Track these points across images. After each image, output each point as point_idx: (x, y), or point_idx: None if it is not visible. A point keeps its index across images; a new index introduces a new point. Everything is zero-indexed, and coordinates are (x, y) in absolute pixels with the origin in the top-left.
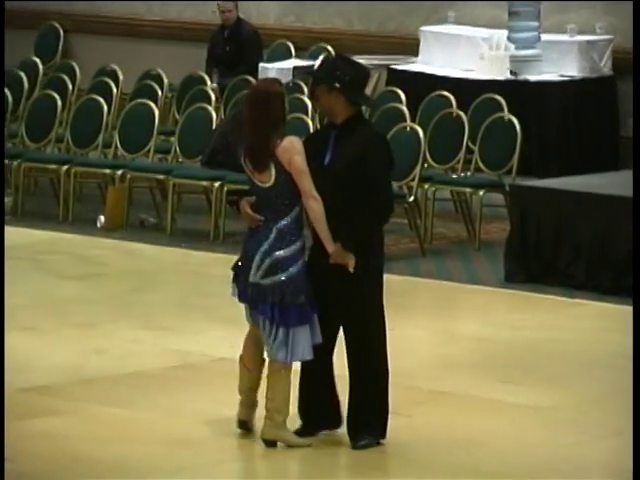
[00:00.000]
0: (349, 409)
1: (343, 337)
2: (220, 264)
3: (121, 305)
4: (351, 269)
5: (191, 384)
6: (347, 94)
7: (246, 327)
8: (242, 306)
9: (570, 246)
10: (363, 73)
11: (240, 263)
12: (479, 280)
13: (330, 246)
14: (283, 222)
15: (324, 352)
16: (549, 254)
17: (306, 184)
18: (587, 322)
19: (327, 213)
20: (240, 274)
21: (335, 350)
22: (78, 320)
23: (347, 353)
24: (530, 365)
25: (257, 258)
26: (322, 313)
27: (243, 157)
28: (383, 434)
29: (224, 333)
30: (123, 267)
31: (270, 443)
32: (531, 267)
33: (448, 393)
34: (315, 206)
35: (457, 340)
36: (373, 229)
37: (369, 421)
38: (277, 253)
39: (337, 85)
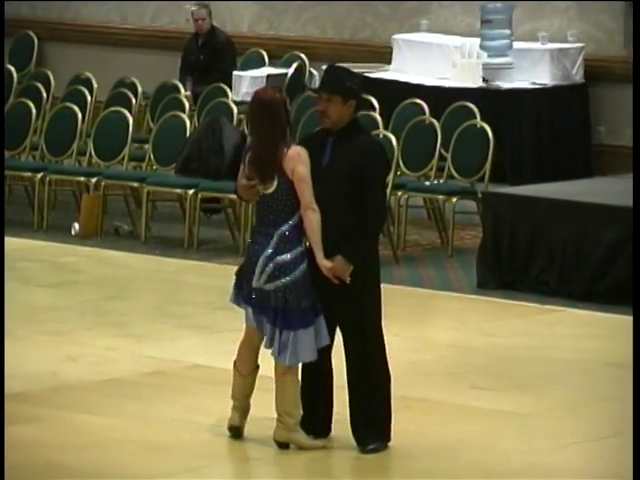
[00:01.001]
0: (353, 414)
1: (342, 343)
2: (194, 271)
3: (96, 312)
4: (348, 281)
5: (165, 391)
6: (359, 103)
7: (219, 333)
8: (216, 314)
9: (543, 253)
10: (362, 80)
11: (243, 269)
12: (452, 287)
13: (321, 258)
14: (283, 228)
15: (321, 355)
16: (522, 261)
17: (307, 194)
18: (560, 329)
19: (323, 215)
20: (243, 279)
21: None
22: (53, 327)
23: (347, 358)
24: (504, 371)
25: (260, 263)
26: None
27: (246, 165)
28: (389, 437)
29: (198, 340)
30: (98, 275)
31: (282, 445)
32: (504, 274)
33: (422, 400)
34: (312, 217)
35: (430, 347)
36: (376, 241)
37: (376, 426)
38: (279, 258)
39: (353, 96)
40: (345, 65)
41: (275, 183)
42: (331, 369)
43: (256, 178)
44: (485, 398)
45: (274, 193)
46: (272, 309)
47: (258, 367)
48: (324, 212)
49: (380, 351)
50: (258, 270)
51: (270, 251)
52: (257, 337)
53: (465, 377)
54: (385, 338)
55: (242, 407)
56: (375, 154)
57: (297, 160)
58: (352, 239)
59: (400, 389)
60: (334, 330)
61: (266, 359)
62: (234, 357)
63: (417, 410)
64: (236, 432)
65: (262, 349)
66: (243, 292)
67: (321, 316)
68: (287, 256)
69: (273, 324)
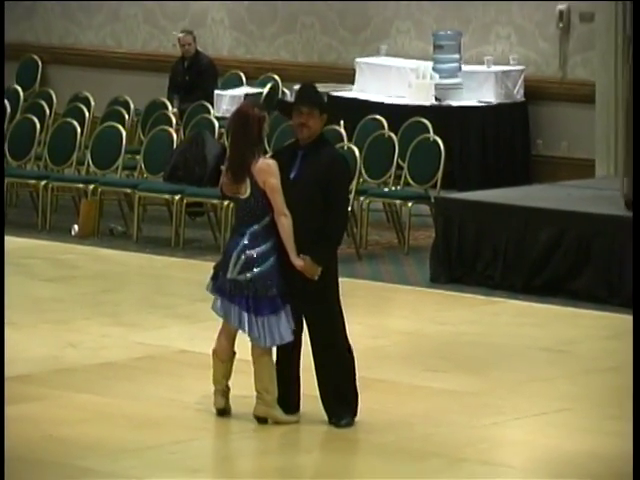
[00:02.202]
0: (325, 393)
1: (307, 328)
2: (180, 268)
3: (92, 304)
4: (316, 278)
5: (154, 373)
6: (329, 117)
7: (202, 322)
8: (199, 305)
9: (488, 251)
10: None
11: (220, 263)
12: (408, 281)
13: (294, 258)
14: (255, 227)
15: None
16: (469, 258)
17: (279, 202)
18: (503, 318)
19: (294, 221)
20: (219, 272)
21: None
22: (54, 317)
23: (314, 344)
24: (453, 355)
25: (234, 256)
26: None
27: (225, 170)
28: (356, 413)
29: (184, 328)
30: (94, 270)
31: (261, 420)
32: (454, 269)
33: (380, 380)
34: (285, 222)
35: (388, 334)
36: (340, 242)
37: (348, 402)
38: (249, 252)
39: (326, 110)
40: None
41: (248, 191)
42: (299, 352)
43: (229, 177)
44: (436, 379)
45: (248, 199)
46: (244, 297)
47: (235, 353)
48: (295, 217)
49: (342, 335)
50: (232, 262)
51: (242, 246)
52: (233, 326)
53: (418, 360)
54: (347, 326)
55: (223, 390)
56: (340, 167)
57: (268, 172)
58: (320, 242)
59: (362, 371)
60: (301, 317)
61: (242, 344)
62: (214, 345)
63: (377, 390)
64: (224, 412)
65: (238, 336)
66: (217, 283)
67: (288, 304)
68: (255, 251)
69: (248, 310)
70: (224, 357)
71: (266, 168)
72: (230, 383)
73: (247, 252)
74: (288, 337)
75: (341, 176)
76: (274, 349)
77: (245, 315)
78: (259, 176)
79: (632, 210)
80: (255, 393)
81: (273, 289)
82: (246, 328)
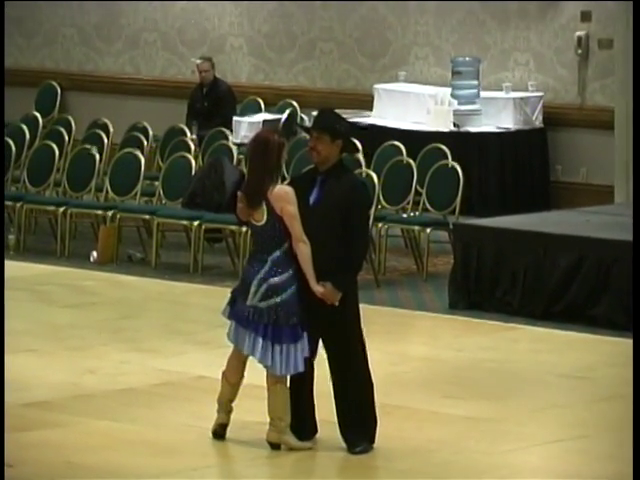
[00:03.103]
0: (342, 420)
1: (325, 353)
2: (199, 294)
3: (111, 330)
4: (336, 304)
5: (173, 399)
6: (346, 143)
7: (221, 348)
8: (218, 331)
9: (506, 277)
10: (350, 125)
11: (238, 288)
12: (426, 307)
13: (314, 284)
14: (276, 254)
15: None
16: (488, 284)
17: (297, 229)
18: (521, 344)
19: (313, 247)
20: (237, 298)
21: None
22: (73, 343)
23: (333, 370)
24: (471, 382)
25: (254, 284)
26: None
27: (240, 194)
28: (374, 439)
29: (202, 354)
30: (113, 297)
31: (274, 446)
32: (472, 296)
33: (399, 406)
34: (304, 249)
35: (407, 360)
36: (361, 268)
37: (364, 429)
38: (272, 280)
39: (340, 136)
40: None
41: (265, 217)
42: (313, 378)
43: (245, 202)
44: (455, 405)
45: (265, 225)
46: (264, 325)
47: (243, 377)
48: (314, 243)
49: (364, 362)
50: (253, 290)
51: (263, 273)
52: (245, 353)
53: (437, 387)
54: (367, 352)
55: (227, 409)
56: (360, 193)
57: (285, 199)
58: (340, 268)
59: (381, 397)
60: (317, 344)
61: (257, 370)
62: (224, 367)
63: (396, 416)
64: (223, 429)
65: (250, 361)
66: (234, 308)
67: (305, 332)
68: (278, 278)
69: (264, 338)
70: (233, 380)
71: (283, 195)
72: (234, 404)
73: (270, 279)
74: (302, 367)
75: (361, 202)
76: (288, 376)
77: (260, 342)
78: (276, 203)
79: (633, 236)
80: (268, 419)
81: (294, 318)
82: (258, 355)
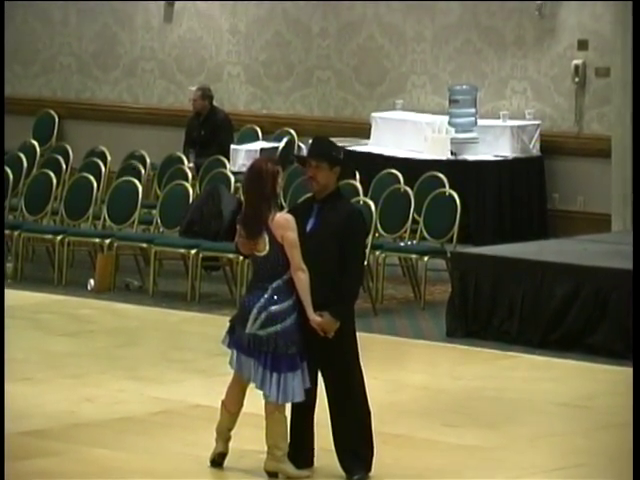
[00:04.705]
0: (340, 448)
1: (323, 383)
2: (196, 322)
3: (108, 358)
4: (332, 334)
5: (170, 427)
6: (343, 170)
7: (218, 377)
8: (215, 359)
9: (504, 305)
10: (343, 151)
11: (237, 316)
12: (424, 336)
13: (311, 313)
14: (277, 282)
15: (307, 395)
16: (486, 312)
17: (296, 258)
18: (519, 373)
19: (311, 274)
20: (236, 326)
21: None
22: (70, 372)
23: (330, 399)
24: (469, 410)
25: (254, 312)
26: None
27: (239, 227)
28: (371, 468)
29: (200, 382)
30: (110, 325)
31: (272, 475)
32: (470, 324)
33: (396, 435)
34: (302, 277)
35: (405, 389)
36: (357, 297)
37: (361, 458)
38: (272, 308)
39: (338, 163)
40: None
41: (267, 247)
42: (314, 408)
43: (244, 234)
44: (453, 434)
45: (267, 255)
46: (264, 353)
47: (242, 406)
48: (311, 272)
49: (361, 391)
50: (252, 317)
51: (264, 301)
52: (246, 381)
53: (435, 415)
54: (365, 380)
55: (226, 438)
56: (356, 221)
57: (286, 227)
58: (337, 298)
59: (378, 426)
60: (317, 374)
61: (256, 398)
62: (223, 396)
63: (393, 444)
64: (221, 459)
65: (249, 390)
66: (234, 336)
67: (305, 362)
68: (279, 307)
69: (264, 366)
70: (233, 410)
71: (284, 223)
72: (232, 433)
73: (270, 308)
74: (300, 397)
75: (357, 230)
76: (288, 405)
77: (260, 370)
78: (277, 231)
79: (633, 263)
80: (266, 448)
81: (293, 347)
82: (259, 383)
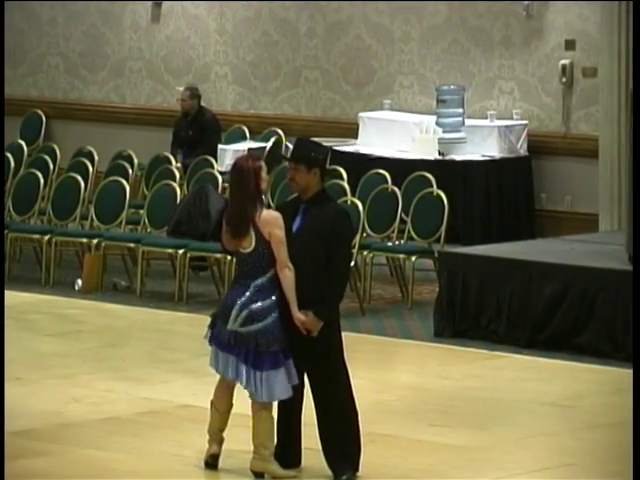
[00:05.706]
0: (327, 448)
1: (309, 384)
2: (184, 322)
3: (96, 359)
4: (316, 334)
5: (158, 428)
6: (323, 172)
7: (206, 377)
8: (203, 359)
9: (492, 305)
10: (328, 152)
11: (218, 312)
12: (412, 336)
13: (296, 312)
14: (260, 280)
15: (294, 394)
16: (473, 312)
17: (283, 255)
18: (507, 372)
19: (297, 273)
20: (217, 321)
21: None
22: (58, 372)
23: (316, 399)
24: (456, 410)
25: (236, 309)
26: None
27: (225, 225)
28: (358, 468)
29: (187, 383)
30: (98, 325)
31: (258, 475)
32: (457, 324)
33: (383, 435)
34: (289, 275)
35: (392, 388)
36: (342, 297)
37: (348, 458)
38: (254, 305)
39: (316, 164)
40: (316, 139)
41: (253, 244)
42: (301, 407)
43: (230, 232)
44: (440, 434)
45: (253, 252)
46: (244, 350)
47: (232, 405)
48: (297, 270)
49: (347, 390)
50: (234, 315)
51: (245, 299)
52: (229, 380)
53: (423, 415)
54: (352, 380)
55: (218, 439)
56: (342, 221)
57: (274, 224)
58: (322, 297)
59: (366, 426)
60: (303, 373)
61: (243, 398)
62: (212, 396)
63: (380, 444)
64: (215, 460)
65: (237, 389)
66: (214, 331)
67: (290, 359)
68: (260, 304)
69: (246, 364)
70: (222, 409)
71: (272, 220)
72: (226, 435)
73: (251, 305)
74: (285, 394)
75: (343, 230)
76: (275, 404)
77: (243, 368)
78: (264, 227)
79: (632, 265)
80: (252, 447)
81: (275, 344)
82: (244, 381)
